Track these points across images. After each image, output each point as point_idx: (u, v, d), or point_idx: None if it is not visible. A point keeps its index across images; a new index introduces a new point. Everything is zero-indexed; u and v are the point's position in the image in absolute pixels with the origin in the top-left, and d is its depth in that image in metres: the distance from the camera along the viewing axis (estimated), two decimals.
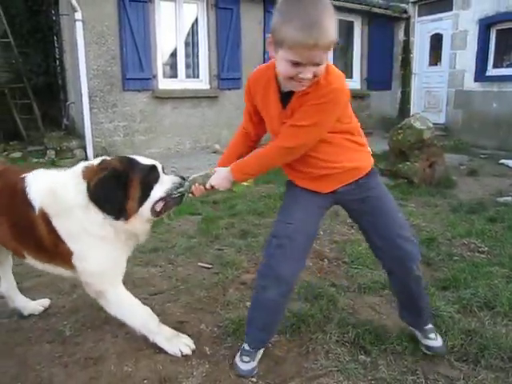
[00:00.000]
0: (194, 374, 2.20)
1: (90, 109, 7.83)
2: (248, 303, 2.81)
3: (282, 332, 2.50)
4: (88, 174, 2.11)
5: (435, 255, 3.52)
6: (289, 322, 2.56)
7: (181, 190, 2.15)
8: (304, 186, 2.10)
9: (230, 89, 9.14)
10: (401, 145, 5.93)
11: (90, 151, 7.89)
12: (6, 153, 8.73)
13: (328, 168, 2.01)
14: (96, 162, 2.18)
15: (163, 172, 2.22)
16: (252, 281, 3.11)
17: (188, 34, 8.99)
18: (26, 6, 10.44)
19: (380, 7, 10.93)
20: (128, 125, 8.24)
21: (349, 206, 2.18)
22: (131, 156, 2.21)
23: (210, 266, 3.39)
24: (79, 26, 7.58)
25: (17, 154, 8.60)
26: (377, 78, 11.27)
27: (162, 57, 8.66)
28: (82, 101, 7.80)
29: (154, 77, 8.39)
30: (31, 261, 2.34)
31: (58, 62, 10.68)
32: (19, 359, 2.33)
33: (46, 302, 2.85)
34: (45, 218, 2.12)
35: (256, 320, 2.24)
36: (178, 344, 2.33)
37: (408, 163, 5.87)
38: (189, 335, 2.48)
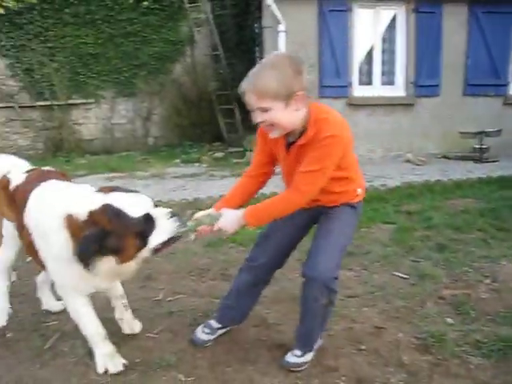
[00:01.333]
0: (392, 380, 2.22)
1: None
2: (448, 319, 2.74)
3: (486, 356, 2.37)
4: (72, 224, 1.98)
5: None
6: (494, 346, 2.42)
7: (182, 230, 2.06)
8: None
9: (426, 96, 8.82)
10: None
11: None
12: (210, 152, 9.76)
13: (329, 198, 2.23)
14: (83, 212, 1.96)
15: (155, 207, 2.07)
16: (452, 297, 3.01)
17: (384, 41, 8.93)
18: (235, 22, 11.52)
19: None
20: None
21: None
22: (116, 207, 1.94)
23: (406, 277, 3.35)
24: (282, 36, 8.11)
25: (219, 154, 9.55)
26: None
27: (358, 64, 8.77)
28: None
29: (350, 84, 8.54)
30: None
31: None
32: (230, 337, 2.61)
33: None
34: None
35: (226, 297, 2.61)
36: (106, 361, 2.30)
37: None
38: (387, 341, 2.52)
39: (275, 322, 2.78)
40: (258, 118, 1.99)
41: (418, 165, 8.11)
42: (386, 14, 8.76)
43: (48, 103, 10.85)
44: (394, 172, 7.34)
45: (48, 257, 2.18)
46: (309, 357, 2.33)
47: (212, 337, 2.55)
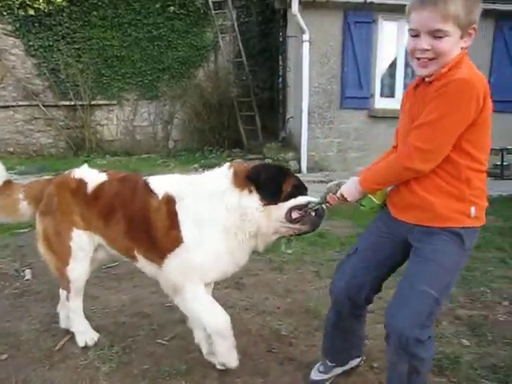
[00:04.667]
0: None
1: (308, 124, 8.31)
2: (464, 340, 2.69)
3: (500, 380, 2.31)
4: (237, 165, 2.25)
5: None
6: (511, 371, 2.36)
7: (317, 201, 2.12)
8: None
9: None
10: None
11: (303, 163, 8.37)
12: (229, 158, 9.77)
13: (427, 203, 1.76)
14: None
15: None
16: (468, 318, 2.95)
17: (408, 54, 8.83)
18: (259, 30, 11.58)
19: None
20: (342, 141, 8.51)
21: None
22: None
23: None
24: (306, 46, 8.12)
25: (238, 161, 9.54)
26: None
27: (380, 76, 8.74)
28: (301, 116, 8.32)
29: (372, 96, 8.52)
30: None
31: (280, 79, 11.56)
32: (241, 347, 2.50)
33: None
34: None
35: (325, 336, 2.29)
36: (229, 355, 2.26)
37: None
38: None
39: (287, 334, 2.76)
40: (423, 44, 1.66)
41: None
42: None
43: (72, 103, 11.04)
44: None
45: (195, 240, 2.15)
46: None
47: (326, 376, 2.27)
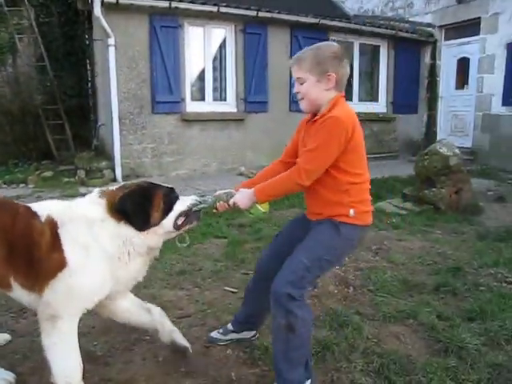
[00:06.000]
0: None
1: (120, 130, 8.05)
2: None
3: None
4: (108, 193, 2.23)
5: (461, 285, 3.50)
6: (313, 349, 2.59)
7: (202, 206, 2.31)
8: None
9: (256, 112, 9.30)
10: (427, 171, 5.93)
11: (118, 172, 8.08)
12: (38, 172, 9.00)
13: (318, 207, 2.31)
14: (114, 187, 2.30)
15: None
16: None
17: (216, 58, 9.20)
18: (62, 32, 10.87)
19: (407, 31, 10.98)
20: (156, 146, 8.43)
21: None
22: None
23: (235, 291, 3.44)
24: (112, 50, 7.84)
25: (48, 174, 8.84)
26: (403, 102, 11.27)
27: (190, 80, 8.88)
28: (112, 123, 8.03)
29: (183, 100, 8.60)
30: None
31: (89, 85, 11.04)
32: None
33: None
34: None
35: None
36: None
37: (434, 189, 5.86)
38: (215, 359, 2.55)
39: (102, 353, 2.64)
40: (295, 88, 2.29)
41: (250, 177, 8.44)
42: (216, 32, 9.05)
43: None
44: (228, 185, 7.51)
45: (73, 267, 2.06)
46: None
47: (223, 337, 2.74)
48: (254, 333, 2.76)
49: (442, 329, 2.83)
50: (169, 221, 2.22)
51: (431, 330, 2.83)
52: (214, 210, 2.36)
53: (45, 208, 2.21)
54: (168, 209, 2.22)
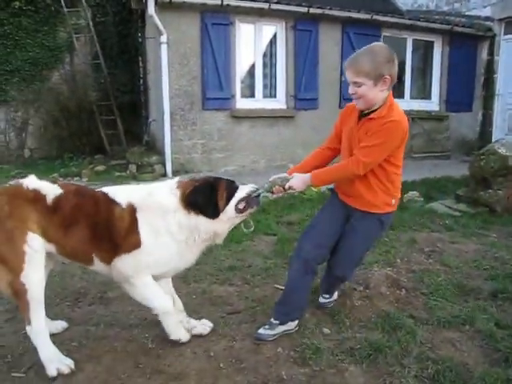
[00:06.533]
0: None
1: (171, 126, 8.18)
2: (325, 329, 2.85)
3: (357, 362, 2.50)
4: (182, 185, 2.56)
5: None
6: (365, 351, 2.56)
7: (259, 191, 2.58)
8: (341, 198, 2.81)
9: (306, 109, 9.22)
10: (483, 171, 5.70)
11: (168, 167, 8.23)
12: (91, 166, 9.30)
13: (360, 191, 2.64)
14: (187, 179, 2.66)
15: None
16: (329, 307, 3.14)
17: (266, 55, 9.20)
18: (117, 31, 11.18)
19: (463, 26, 10.59)
20: (206, 142, 8.52)
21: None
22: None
23: None
24: (164, 48, 7.98)
25: (101, 168, 9.13)
26: (457, 99, 10.87)
27: (240, 77, 8.91)
28: (163, 118, 8.19)
29: (233, 96, 8.65)
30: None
31: (142, 82, 11.29)
32: (107, 366, 2.49)
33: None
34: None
35: (281, 295, 2.90)
36: (178, 330, 2.70)
37: (490, 191, 5.63)
38: (266, 357, 2.55)
39: (154, 346, 2.69)
40: (351, 90, 2.49)
41: None
42: (267, 29, 9.04)
43: None
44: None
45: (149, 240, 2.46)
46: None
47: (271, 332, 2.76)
48: (297, 322, 2.85)
49: (501, 337, 2.72)
50: (231, 207, 2.53)
51: (489, 338, 2.72)
52: (271, 193, 2.60)
53: (127, 194, 2.54)
54: (230, 197, 2.54)
